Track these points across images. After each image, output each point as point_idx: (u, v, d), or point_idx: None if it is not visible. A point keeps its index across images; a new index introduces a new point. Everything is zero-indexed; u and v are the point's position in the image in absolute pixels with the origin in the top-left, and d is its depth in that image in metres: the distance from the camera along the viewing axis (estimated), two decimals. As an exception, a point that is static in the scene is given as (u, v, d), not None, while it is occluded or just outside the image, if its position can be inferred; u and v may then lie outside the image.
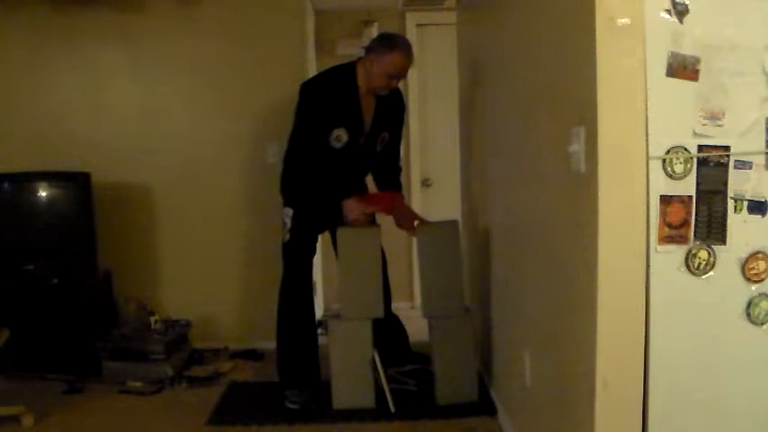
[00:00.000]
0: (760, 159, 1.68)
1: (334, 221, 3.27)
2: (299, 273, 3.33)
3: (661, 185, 1.66)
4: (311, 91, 3.20)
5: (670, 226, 1.67)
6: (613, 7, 1.61)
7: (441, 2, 4.77)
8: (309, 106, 3.17)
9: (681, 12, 1.63)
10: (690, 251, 1.68)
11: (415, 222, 3.44)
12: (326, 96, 3.16)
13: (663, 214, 1.66)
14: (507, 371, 2.92)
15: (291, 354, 3.32)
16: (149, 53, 4.19)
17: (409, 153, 5.06)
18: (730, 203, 1.68)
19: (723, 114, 1.66)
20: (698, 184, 1.67)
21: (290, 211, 3.30)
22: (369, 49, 3.21)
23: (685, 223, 1.67)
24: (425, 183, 5.23)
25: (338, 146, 3.20)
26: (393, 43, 3.16)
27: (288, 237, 3.30)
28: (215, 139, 4.21)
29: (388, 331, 3.47)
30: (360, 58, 3.25)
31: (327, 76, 3.26)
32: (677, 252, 1.68)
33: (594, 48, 1.62)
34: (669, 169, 1.66)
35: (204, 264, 4.23)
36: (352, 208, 3.18)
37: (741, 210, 1.69)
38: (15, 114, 4.17)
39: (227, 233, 4.23)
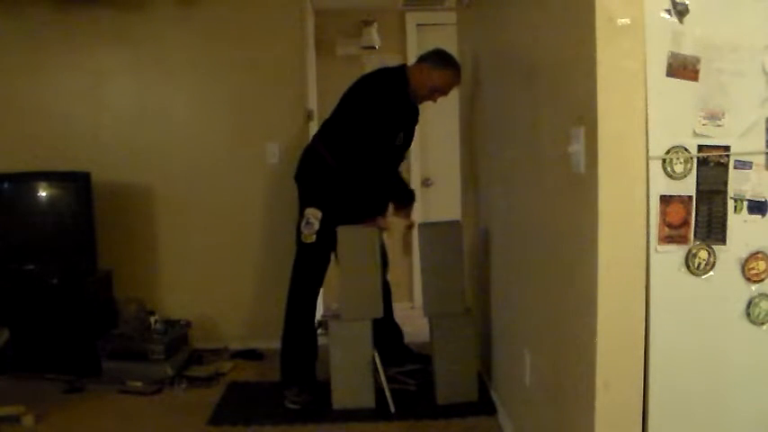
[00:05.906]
0: (760, 159, 1.68)
1: (359, 215, 3.32)
2: (316, 274, 3.34)
3: (661, 185, 1.66)
4: (385, 94, 3.27)
5: (670, 226, 1.67)
6: (613, 7, 1.61)
7: (441, 2, 4.77)
8: (385, 109, 3.25)
9: (681, 12, 1.63)
10: (690, 251, 1.68)
11: (416, 223, 3.46)
12: (398, 101, 3.29)
13: (663, 214, 1.66)
14: (507, 371, 2.92)
15: (297, 353, 3.32)
16: (149, 53, 4.19)
17: (409, 153, 5.05)
18: (730, 203, 1.68)
19: (723, 114, 1.66)
20: (698, 184, 1.67)
21: (318, 213, 3.26)
22: (422, 59, 3.37)
23: (685, 223, 1.67)
24: (425, 183, 5.23)
25: (398, 144, 3.39)
26: (449, 60, 3.34)
27: (314, 238, 3.26)
28: (215, 139, 4.21)
29: (385, 331, 3.47)
30: (404, 65, 3.43)
31: (392, 79, 3.33)
32: (677, 252, 1.68)
33: (594, 48, 1.62)
34: (669, 169, 1.66)
35: (204, 264, 4.22)
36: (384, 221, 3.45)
37: (741, 210, 1.69)
38: (15, 114, 4.16)
39: (227, 233, 4.23)
